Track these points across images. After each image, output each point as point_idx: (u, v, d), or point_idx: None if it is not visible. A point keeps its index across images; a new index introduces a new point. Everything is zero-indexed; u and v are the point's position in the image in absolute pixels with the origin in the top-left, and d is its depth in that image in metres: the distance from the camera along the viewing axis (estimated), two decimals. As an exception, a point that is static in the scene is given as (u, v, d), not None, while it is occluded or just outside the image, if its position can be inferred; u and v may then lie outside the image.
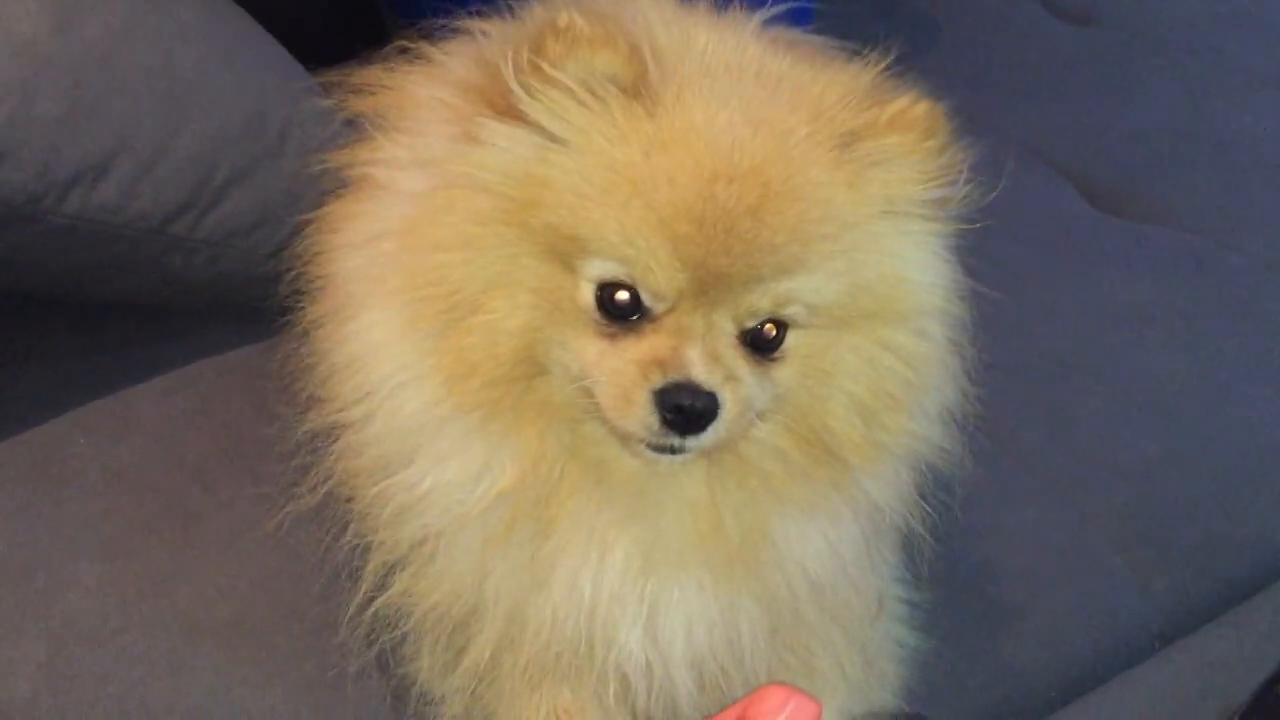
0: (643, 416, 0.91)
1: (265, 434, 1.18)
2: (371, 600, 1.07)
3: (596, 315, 0.92)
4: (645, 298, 0.92)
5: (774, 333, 0.94)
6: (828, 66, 1.01)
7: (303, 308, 1.06)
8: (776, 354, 0.95)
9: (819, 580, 1.03)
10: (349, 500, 1.07)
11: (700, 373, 0.91)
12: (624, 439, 0.96)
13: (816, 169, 0.92)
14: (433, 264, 0.94)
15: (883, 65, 0.99)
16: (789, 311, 0.94)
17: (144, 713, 1.14)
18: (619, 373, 0.92)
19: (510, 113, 0.93)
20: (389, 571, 1.06)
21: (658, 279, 0.90)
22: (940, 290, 1.00)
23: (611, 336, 0.92)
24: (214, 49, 1.44)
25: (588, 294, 0.92)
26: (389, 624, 1.09)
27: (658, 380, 0.90)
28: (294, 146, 1.44)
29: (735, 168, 0.90)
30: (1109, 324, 1.86)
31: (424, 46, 1.07)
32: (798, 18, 1.12)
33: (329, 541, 1.10)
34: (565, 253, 0.92)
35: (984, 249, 1.04)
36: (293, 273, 1.08)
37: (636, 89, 0.91)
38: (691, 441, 0.92)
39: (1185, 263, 2.02)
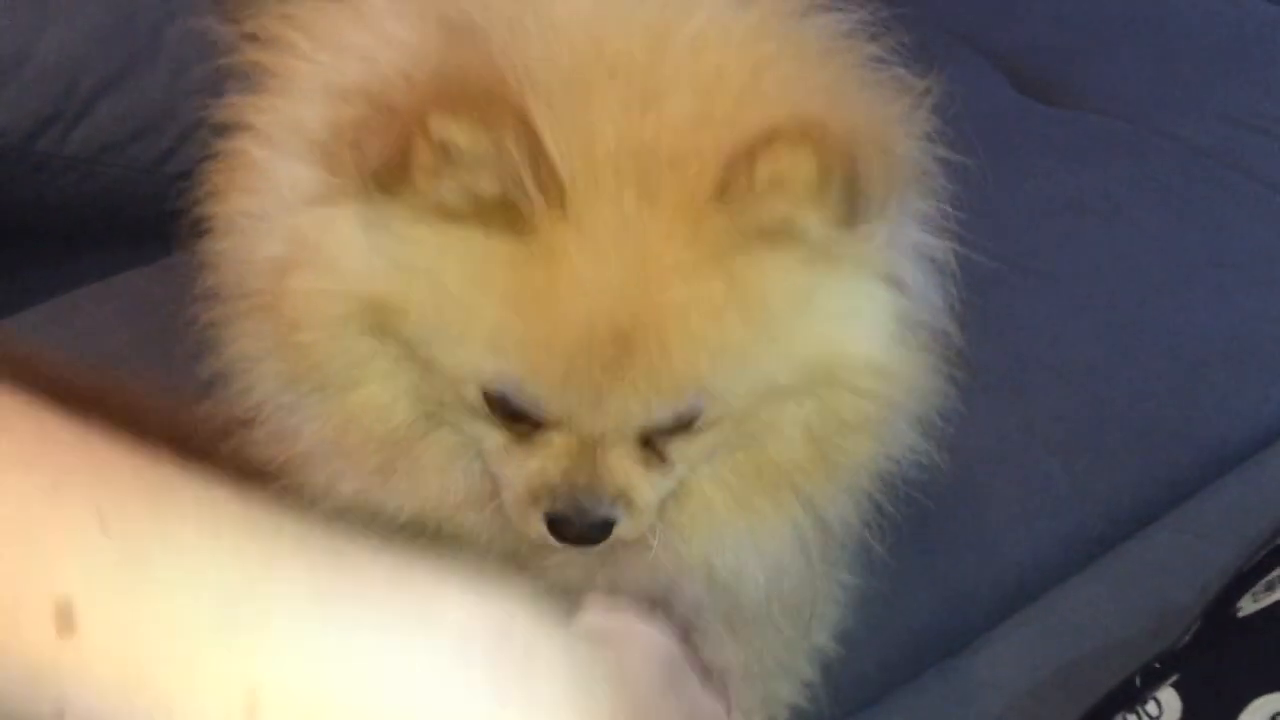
0: (542, 532, 0.86)
1: (154, 373, 1.07)
2: None
3: (486, 411, 0.84)
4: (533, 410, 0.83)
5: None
6: (708, 117, 0.79)
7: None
8: (691, 428, 0.85)
9: (753, 602, 0.97)
10: None
11: (590, 501, 0.84)
12: None
13: (707, 301, 0.78)
14: (296, 341, 0.84)
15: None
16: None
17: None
18: (514, 482, 0.86)
19: (364, 200, 0.79)
20: None
21: (542, 409, 0.82)
22: (893, 351, 0.86)
23: (508, 432, 0.85)
24: (73, -58, 1.31)
25: (473, 394, 0.82)
26: None
27: (547, 505, 0.85)
28: (169, 52, 1.32)
29: (618, 328, 0.77)
30: (1043, 218, 1.80)
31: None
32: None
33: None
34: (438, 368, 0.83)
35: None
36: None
37: (505, 222, 0.76)
38: (593, 548, 0.88)
39: (1117, 150, 1.96)
